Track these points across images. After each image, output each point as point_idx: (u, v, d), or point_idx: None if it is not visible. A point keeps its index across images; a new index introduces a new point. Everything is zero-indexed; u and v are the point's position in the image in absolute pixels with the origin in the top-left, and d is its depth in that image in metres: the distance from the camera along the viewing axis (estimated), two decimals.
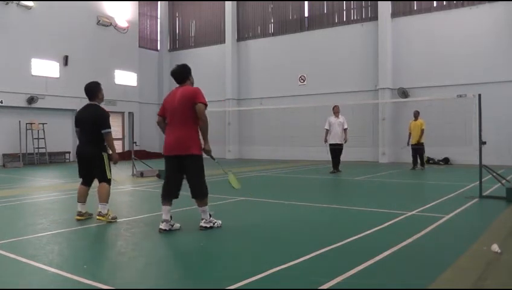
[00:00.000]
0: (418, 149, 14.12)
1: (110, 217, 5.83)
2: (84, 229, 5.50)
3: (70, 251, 4.54)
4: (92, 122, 5.91)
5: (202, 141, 5.23)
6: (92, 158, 5.93)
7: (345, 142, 12.85)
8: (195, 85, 5.39)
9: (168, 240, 4.88)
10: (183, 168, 5.17)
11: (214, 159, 5.54)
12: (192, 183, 5.17)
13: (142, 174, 12.23)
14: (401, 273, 3.63)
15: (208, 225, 5.20)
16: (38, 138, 18.89)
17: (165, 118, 5.33)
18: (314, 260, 3.93)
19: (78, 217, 5.96)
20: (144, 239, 4.90)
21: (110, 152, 6.05)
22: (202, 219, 5.23)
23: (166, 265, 4.01)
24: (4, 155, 18.23)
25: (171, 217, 5.20)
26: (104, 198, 5.88)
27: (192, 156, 5.10)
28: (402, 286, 3.29)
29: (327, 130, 12.78)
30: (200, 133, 5.20)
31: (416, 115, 14.25)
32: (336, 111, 12.86)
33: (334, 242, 4.48)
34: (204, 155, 5.28)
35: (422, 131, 14.03)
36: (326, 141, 12.82)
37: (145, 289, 3.35)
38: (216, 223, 5.28)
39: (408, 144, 14.37)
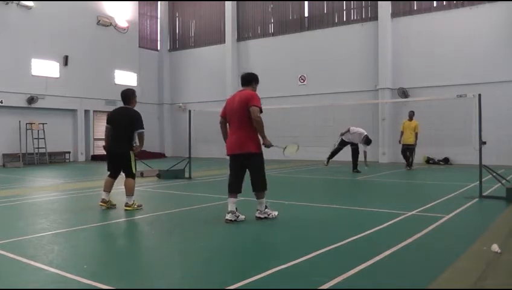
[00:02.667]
0: (409, 149, 14.15)
1: (136, 206, 6.55)
2: (84, 229, 5.51)
3: (70, 250, 4.54)
4: (127, 122, 6.61)
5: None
6: (122, 155, 6.62)
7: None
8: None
9: (168, 240, 4.89)
10: (244, 166, 5.68)
11: (278, 147, 5.93)
12: (253, 178, 5.68)
13: (142, 174, 12.23)
14: (401, 273, 3.63)
15: (262, 216, 5.69)
16: (38, 138, 18.89)
17: (226, 119, 5.84)
18: (314, 260, 3.93)
19: (102, 204, 6.58)
20: (144, 239, 4.90)
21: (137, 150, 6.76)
22: (257, 210, 5.73)
23: (166, 265, 4.01)
24: (4, 155, 18.23)
25: (236, 208, 5.64)
26: (130, 191, 6.59)
27: (251, 154, 5.59)
28: (402, 286, 3.29)
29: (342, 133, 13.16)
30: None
31: (411, 115, 14.22)
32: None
33: (334, 242, 4.48)
34: (267, 149, 5.67)
35: (416, 134, 14.05)
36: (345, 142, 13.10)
37: (145, 289, 3.35)
38: (271, 214, 5.75)
39: (400, 142, 14.42)
